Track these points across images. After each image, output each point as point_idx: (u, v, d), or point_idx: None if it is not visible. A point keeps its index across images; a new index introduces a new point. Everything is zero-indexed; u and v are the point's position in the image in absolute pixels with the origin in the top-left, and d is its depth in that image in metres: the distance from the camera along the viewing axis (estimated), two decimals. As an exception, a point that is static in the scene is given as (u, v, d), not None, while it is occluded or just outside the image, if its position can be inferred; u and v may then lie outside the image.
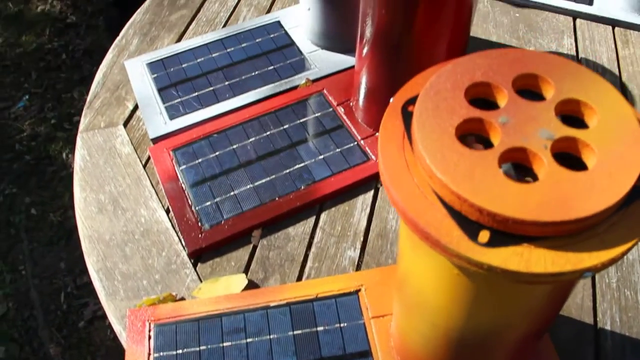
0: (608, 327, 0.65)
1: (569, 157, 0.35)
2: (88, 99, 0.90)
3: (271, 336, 0.63)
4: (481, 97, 0.38)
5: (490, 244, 0.32)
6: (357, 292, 0.66)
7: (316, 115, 0.82)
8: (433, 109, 0.36)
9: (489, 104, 0.38)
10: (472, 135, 0.36)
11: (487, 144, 0.36)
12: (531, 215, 0.31)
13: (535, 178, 0.34)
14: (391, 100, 0.40)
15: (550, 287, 0.37)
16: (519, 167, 0.35)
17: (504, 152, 0.34)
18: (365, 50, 0.73)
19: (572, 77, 0.38)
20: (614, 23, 1.00)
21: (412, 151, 0.36)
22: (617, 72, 0.93)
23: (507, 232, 0.32)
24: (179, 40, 0.98)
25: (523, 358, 0.54)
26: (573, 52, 0.95)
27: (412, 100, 0.38)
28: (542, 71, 0.38)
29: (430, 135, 0.34)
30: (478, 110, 0.36)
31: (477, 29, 0.98)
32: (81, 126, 0.86)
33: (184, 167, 0.78)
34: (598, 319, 0.66)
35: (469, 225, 0.33)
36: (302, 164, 0.77)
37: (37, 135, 1.86)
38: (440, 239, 0.33)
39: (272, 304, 0.65)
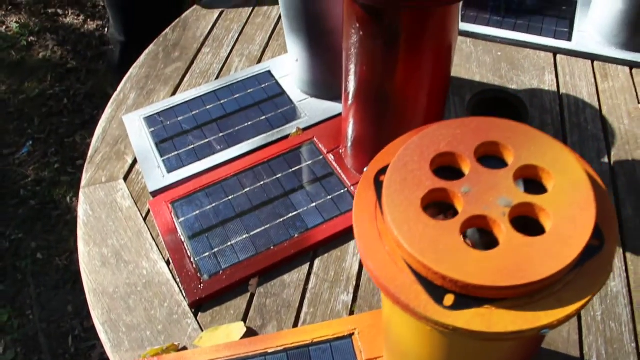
0: (593, 357, 0.68)
1: (528, 219, 0.39)
2: (89, 154, 0.94)
3: (270, 383, 0.66)
4: (447, 165, 0.41)
5: (455, 307, 0.35)
6: (350, 336, 0.69)
7: (307, 163, 0.85)
8: (400, 181, 0.39)
9: (454, 171, 0.41)
10: (437, 205, 0.39)
11: (453, 209, 0.39)
12: (490, 281, 0.34)
13: (497, 241, 0.37)
14: (365, 169, 0.43)
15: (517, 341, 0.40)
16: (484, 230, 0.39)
17: (466, 220, 0.37)
18: (350, 102, 0.76)
19: (531, 143, 0.41)
20: (592, 57, 1.04)
21: (383, 221, 0.39)
22: (597, 106, 0.96)
23: (470, 296, 0.35)
24: (174, 92, 1.02)
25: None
26: (554, 88, 0.99)
27: (384, 170, 0.41)
28: (502, 138, 0.41)
29: (398, 207, 0.38)
30: (442, 180, 0.39)
31: (461, 70, 1.02)
32: (83, 182, 0.90)
33: (182, 219, 0.81)
34: (584, 352, 0.68)
35: (435, 290, 0.36)
36: (295, 212, 0.80)
37: (41, 180, 1.90)
38: (409, 304, 0.36)
39: (269, 351, 0.68)
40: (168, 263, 0.78)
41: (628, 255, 0.77)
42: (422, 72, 0.71)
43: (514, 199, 0.38)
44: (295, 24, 0.87)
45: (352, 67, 0.72)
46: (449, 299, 0.36)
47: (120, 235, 0.82)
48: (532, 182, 0.41)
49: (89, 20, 2.50)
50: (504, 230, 0.37)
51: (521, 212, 0.38)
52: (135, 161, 0.91)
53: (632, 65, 1.03)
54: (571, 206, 0.38)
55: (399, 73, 0.70)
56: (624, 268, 0.76)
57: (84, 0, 2.61)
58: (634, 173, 0.86)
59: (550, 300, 0.36)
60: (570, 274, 0.37)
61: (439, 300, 0.36)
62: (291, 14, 0.87)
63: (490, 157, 0.42)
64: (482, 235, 0.39)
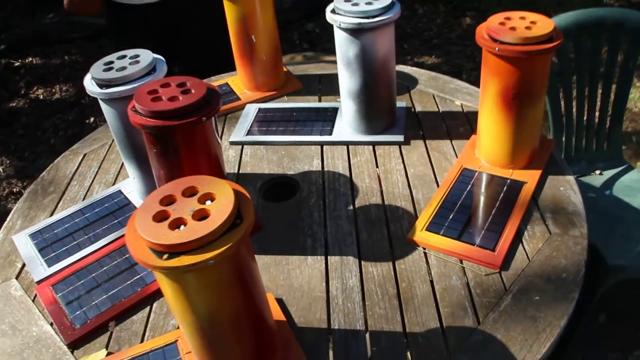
0: (336, 327, 1.06)
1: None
2: (-12, 268, 1.27)
3: (123, 379, 1.00)
4: (171, 201, 0.82)
5: (167, 259, 0.74)
6: (175, 342, 1.04)
7: (145, 242, 1.24)
8: (143, 211, 0.79)
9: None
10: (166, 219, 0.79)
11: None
12: (175, 242, 0.74)
13: (191, 229, 0.77)
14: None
15: (221, 269, 0.79)
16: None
17: (171, 221, 0.77)
18: (162, 194, 1.17)
19: (211, 184, 0.83)
20: (347, 143, 1.51)
21: (136, 229, 0.78)
22: (348, 175, 1.41)
23: (173, 252, 0.75)
24: (51, 214, 1.39)
25: (268, 348, 0.94)
26: (320, 168, 1.44)
27: (140, 209, 0.81)
28: (197, 184, 0.83)
29: (140, 221, 0.77)
30: (163, 207, 0.80)
31: (255, 167, 1.45)
32: (-15, 286, 1.23)
33: (60, 294, 1.16)
34: (331, 323, 1.06)
35: (158, 253, 0.75)
36: (138, 276, 1.17)
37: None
38: (147, 262, 0.74)
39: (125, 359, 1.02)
40: (51, 324, 1.12)
41: (363, 262, 1.18)
42: (200, 165, 1.13)
43: (195, 208, 0.79)
44: (126, 153, 1.29)
45: (157, 172, 1.13)
46: (165, 256, 0.75)
47: (14, 314, 1.15)
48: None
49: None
50: (189, 221, 0.77)
51: (201, 212, 0.79)
52: (24, 265, 1.26)
53: (373, 144, 1.50)
54: (222, 207, 0.78)
55: (185, 168, 1.11)
56: (358, 271, 1.16)
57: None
58: (368, 212, 1.29)
59: (211, 249, 0.75)
60: (224, 236, 0.77)
61: (160, 257, 0.75)
62: (122, 146, 1.28)
63: (194, 193, 0.83)
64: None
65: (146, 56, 1.23)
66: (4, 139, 3.15)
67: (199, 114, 1.05)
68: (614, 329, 1.96)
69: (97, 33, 3.99)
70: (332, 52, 1.55)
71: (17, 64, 3.84)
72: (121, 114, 1.22)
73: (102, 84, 1.19)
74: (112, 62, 1.23)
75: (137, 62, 1.22)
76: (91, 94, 1.20)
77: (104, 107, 1.23)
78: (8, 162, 2.96)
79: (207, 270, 0.78)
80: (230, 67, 1.85)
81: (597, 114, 1.87)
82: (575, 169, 1.86)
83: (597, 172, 1.85)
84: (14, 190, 2.79)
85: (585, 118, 1.88)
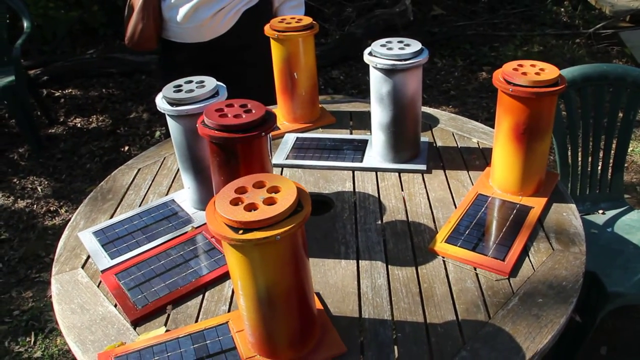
0: (366, 316, 1.22)
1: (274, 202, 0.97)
2: (55, 258, 1.45)
3: (181, 350, 1.15)
4: (244, 191, 1.00)
5: (242, 234, 0.92)
6: (227, 322, 1.20)
7: (198, 244, 1.41)
8: (221, 196, 0.97)
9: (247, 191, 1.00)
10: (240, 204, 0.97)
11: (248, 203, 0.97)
12: (249, 219, 0.91)
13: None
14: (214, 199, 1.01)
15: (283, 245, 0.96)
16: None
17: (245, 205, 0.95)
18: (218, 199, 1.35)
19: (277, 180, 1.01)
20: (376, 170, 1.70)
21: (216, 210, 0.96)
22: (377, 195, 1.59)
23: (247, 228, 0.92)
24: (111, 217, 1.57)
25: (310, 326, 1.10)
26: (351, 189, 1.62)
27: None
28: (265, 179, 1.01)
29: (221, 204, 0.95)
30: (238, 194, 0.98)
31: (293, 185, 1.63)
32: (53, 273, 1.40)
33: (123, 281, 1.33)
34: (362, 315, 1.22)
35: (235, 229, 0.93)
36: (192, 269, 1.34)
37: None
38: (226, 235, 0.92)
39: (180, 336, 1.18)
40: (115, 306, 1.28)
41: (389, 266, 1.34)
42: (255, 171, 1.31)
43: (265, 196, 0.97)
44: (185, 164, 1.48)
45: (217, 178, 1.32)
46: (240, 231, 0.92)
47: (82, 297, 1.32)
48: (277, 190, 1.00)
49: (18, 199, 3.03)
50: (261, 206, 0.95)
51: (269, 200, 0.96)
52: (88, 257, 1.43)
53: (399, 171, 1.68)
54: (286, 196, 0.97)
55: (242, 177, 1.30)
56: (386, 273, 1.32)
57: (12, 184, 3.15)
58: (395, 226, 1.47)
59: (279, 227, 0.93)
60: (290, 217, 0.94)
61: (236, 232, 0.92)
62: (182, 158, 1.47)
63: (263, 186, 1.01)
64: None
65: (210, 82, 1.43)
66: (43, 162, 3.36)
67: (259, 130, 1.24)
68: (613, 361, 2.09)
69: (133, 69, 4.25)
70: (356, 97, 1.75)
71: (57, 94, 4.09)
72: (186, 128, 1.41)
73: (173, 102, 1.39)
74: (180, 86, 1.44)
75: (203, 86, 1.42)
76: (162, 111, 1.40)
77: (170, 122, 1.43)
78: (46, 182, 3.16)
79: (271, 246, 0.95)
80: (268, 104, 2.06)
81: (600, 161, 2.05)
82: (580, 207, 2.03)
83: (600, 211, 2.02)
84: (51, 209, 2.96)
85: (589, 167, 2.06)
